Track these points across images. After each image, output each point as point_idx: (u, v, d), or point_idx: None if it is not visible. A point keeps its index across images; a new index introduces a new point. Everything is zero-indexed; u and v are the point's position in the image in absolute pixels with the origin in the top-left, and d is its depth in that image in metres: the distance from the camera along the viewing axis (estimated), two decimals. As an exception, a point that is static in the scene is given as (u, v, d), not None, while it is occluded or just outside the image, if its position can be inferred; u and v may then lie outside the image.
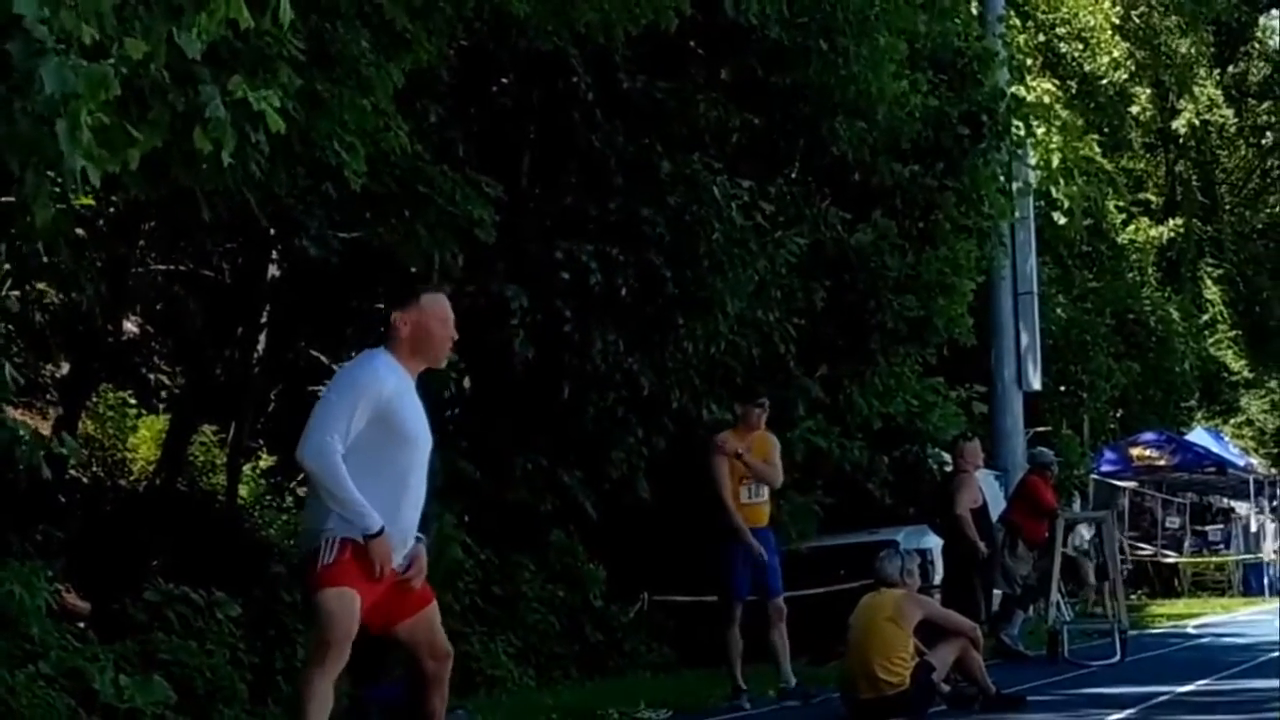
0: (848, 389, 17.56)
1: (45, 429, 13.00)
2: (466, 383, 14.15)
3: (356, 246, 11.98)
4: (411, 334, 6.12)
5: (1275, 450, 42.32)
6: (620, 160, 14.73)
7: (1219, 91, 43.64)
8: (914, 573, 10.17)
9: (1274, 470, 37.03)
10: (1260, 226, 46.07)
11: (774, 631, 11.05)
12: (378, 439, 5.90)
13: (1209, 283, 42.84)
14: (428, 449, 6.17)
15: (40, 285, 12.12)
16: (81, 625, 10.20)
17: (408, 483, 6.03)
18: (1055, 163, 29.66)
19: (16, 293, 10.99)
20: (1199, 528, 32.56)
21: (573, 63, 13.91)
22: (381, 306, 14.56)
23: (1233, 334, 42.60)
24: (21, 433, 7.88)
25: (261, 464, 15.79)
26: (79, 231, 10.68)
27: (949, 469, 16.86)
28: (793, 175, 17.46)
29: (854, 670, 9.73)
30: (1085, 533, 18.80)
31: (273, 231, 12.53)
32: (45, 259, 9.42)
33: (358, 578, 5.80)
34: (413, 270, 12.45)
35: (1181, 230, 41.68)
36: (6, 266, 8.72)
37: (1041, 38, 36.05)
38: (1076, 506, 25.58)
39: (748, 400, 11.60)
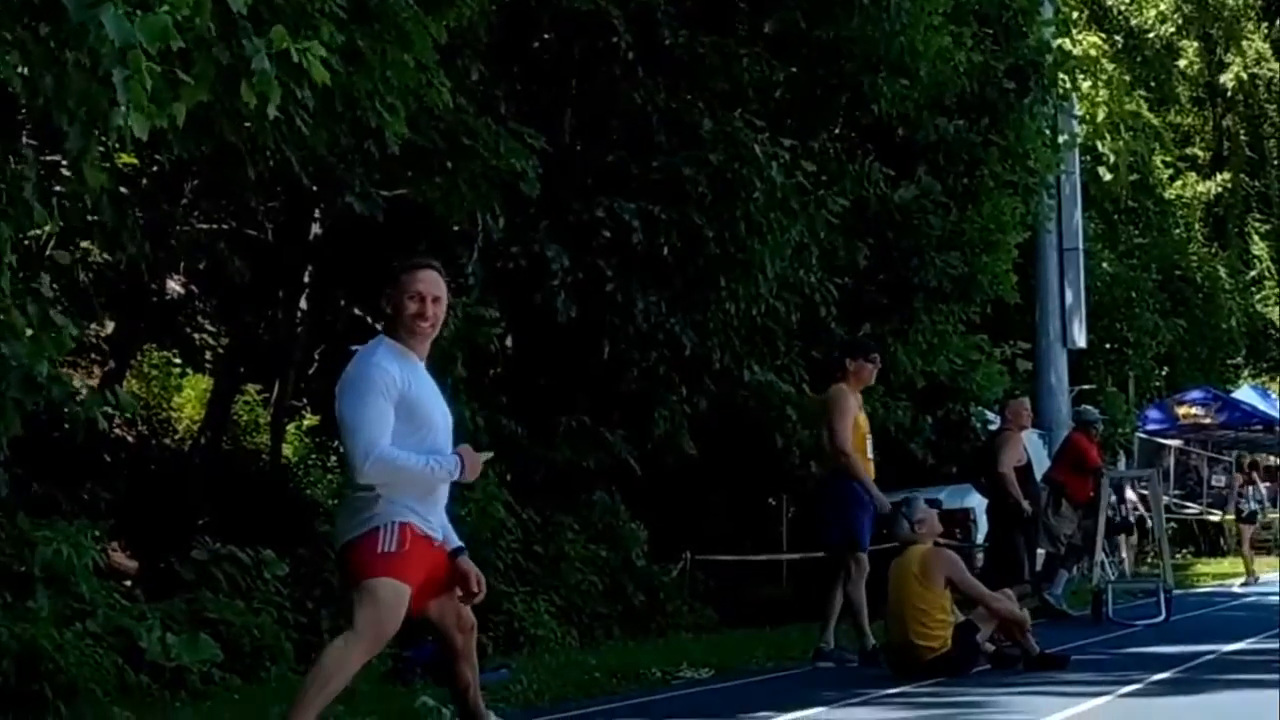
0: (891, 348, 17.48)
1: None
2: (509, 341, 14.16)
3: (399, 204, 11.97)
4: (394, 314, 6.00)
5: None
6: (662, 118, 14.66)
7: (1267, 45, 43.11)
8: (925, 521, 9.82)
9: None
10: (1309, 181, 45.57)
11: (848, 586, 10.74)
12: (401, 429, 5.83)
13: (1256, 239, 42.44)
14: (449, 428, 6.07)
15: (85, 244, 12.16)
16: (128, 584, 10.29)
17: None
18: (1101, 117, 29.42)
19: (62, 251, 11.02)
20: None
21: (614, 20, 13.84)
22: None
23: (1280, 290, 42.21)
24: (77, 386, 7.93)
25: (305, 423, 15.85)
26: (122, 189, 10.71)
27: (992, 427, 16.78)
28: (835, 131, 17.34)
29: (894, 633, 9.69)
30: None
31: (315, 189, 12.54)
32: (91, 217, 9.45)
33: (414, 570, 5.82)
34: (455, 229, 12.45)
35: (1229, 185, 41.33)
36: (49, 226, 8.74)
37: (1088, -10, 35.68)
38: (1121, 465, 25.44)
39: (858, 354, 11.12)
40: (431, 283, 5.99)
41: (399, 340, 5.97)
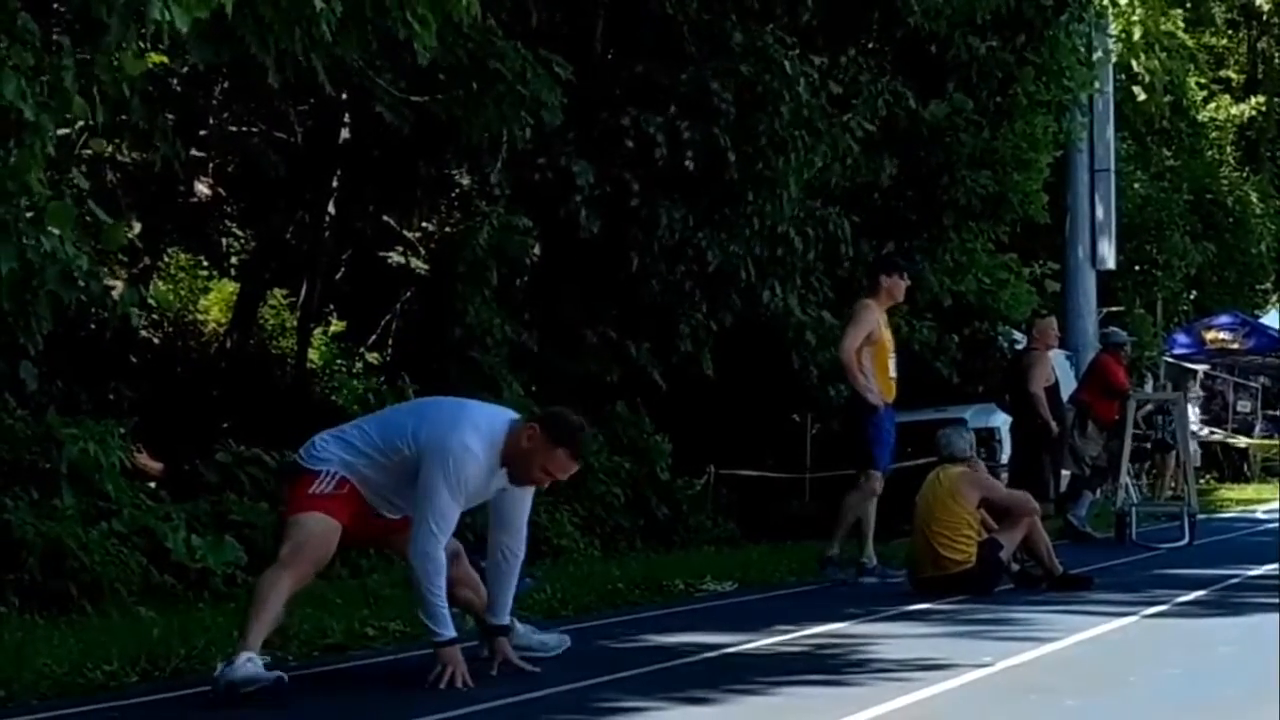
0: (919, 265, 17.38)
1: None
2: (536, 250, 14.10)
3: (426, 113, 11.86)
4: (535, 457, 6.05)
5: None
6: (693, 29, 14.48)
7: (1306, -33, 42.45)
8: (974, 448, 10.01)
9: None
10: (1344, 107, 44.97)
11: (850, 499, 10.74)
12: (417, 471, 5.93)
13: (1289, 163, 41.98)
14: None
15: (109, 145, 12.07)
16: (153, 485, 10.30)
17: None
18: (1136, 36, 29.04)
19: (99, 140, 10.92)
20: (1270, 412, 32.24)
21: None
22: (451, 174, 14.52)
23: (1311, 216, 41.79)
24: (113, 283, 7.90)
25: (331, 329, 15.83)
26: (150, 89, 10.62)
27: (1018, 347, 16.69)
28: (868, 46, 17.12)
29: (918, 547, 9.67)
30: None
31: (344, 96, 12.44)
32: (122, 117, 9.36)
33: (347, 514, 5.97)
34: (485, 135, 12.33)
35: (1262, 109, 40.82)
36: (82, 124, 8.66)
37: (1126, -93, 35.08)
38: (1149, 388, 25.34)
39: (893, 270, 10.89)
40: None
41: (507, 450, 6.03)
